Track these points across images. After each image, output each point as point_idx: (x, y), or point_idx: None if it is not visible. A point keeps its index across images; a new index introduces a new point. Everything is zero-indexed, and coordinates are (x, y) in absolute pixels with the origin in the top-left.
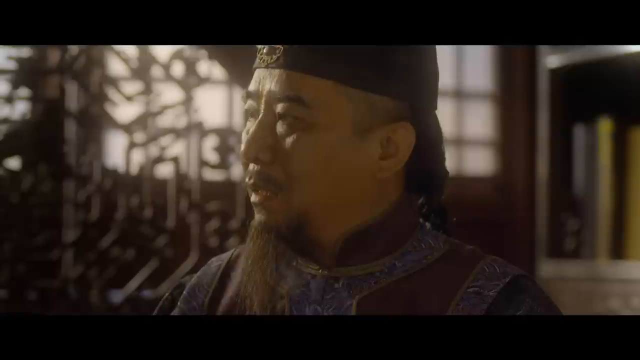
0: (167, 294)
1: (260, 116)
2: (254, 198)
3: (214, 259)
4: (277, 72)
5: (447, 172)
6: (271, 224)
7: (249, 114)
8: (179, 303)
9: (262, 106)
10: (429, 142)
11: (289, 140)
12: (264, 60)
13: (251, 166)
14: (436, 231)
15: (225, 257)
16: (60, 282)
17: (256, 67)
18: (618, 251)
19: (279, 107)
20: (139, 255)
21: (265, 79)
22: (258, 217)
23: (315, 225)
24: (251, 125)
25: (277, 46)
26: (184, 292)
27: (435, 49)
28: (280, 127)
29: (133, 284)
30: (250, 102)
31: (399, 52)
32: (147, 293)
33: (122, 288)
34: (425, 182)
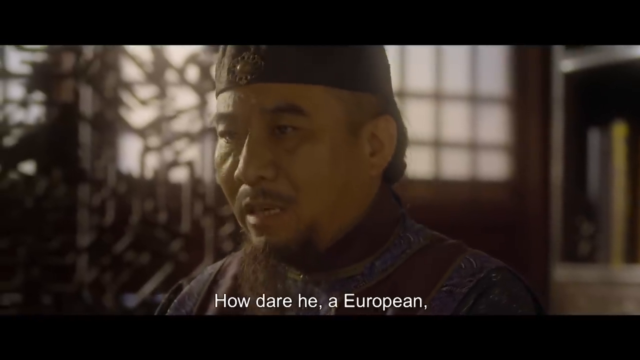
0: (164, 299)
1: (250, 134)
2: (254, 220)
3: (209, 266)
4: (260, 86)
5: (405, 164)
6: (280, 244)
7: (224, 136)
8: (168, 311)
9: (250, 124)
10: (400, 130)
11: (291, 152)
12: (241, 77)
13: (246, 187)
14: (420, 225)
15: (218, 265)
16: (75, 287)
17: (227, 88)
18: (632, 255)
19: (276, 120)
20: (154, 259)
21: (247, 95)
22: (261, 239)
23: (320, 234)
24: (231, 148)
25: (256, 61)
26: (175, 301)
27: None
28: (276, 141)
29: (147, 288)
30: (225, 124)
31: (370, 48)
32: (162, 297)
33: (136, 292)
34: (390, 172)
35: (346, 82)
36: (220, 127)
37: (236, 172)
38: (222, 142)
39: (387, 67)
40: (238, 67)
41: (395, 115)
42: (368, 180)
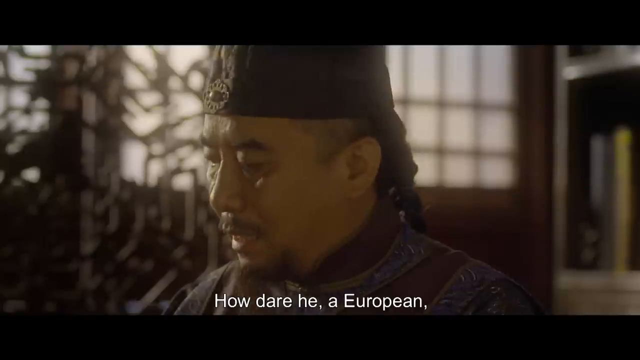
0: (169, 304)
1: (222, 163)
2: (234, 244)
3: (211, 272)
4: (226, 118)
5: (416, 166)
6: (256, 268)
7: (208, 158)
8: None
9: (222, 152)
10: (393, 143)
11: (256, 185)
12: (212, 106)
13: (224, 214)
14: (421, 235)
15: (220, 271)
16: (79, 294)
17: (205, 112)
18: (636, 262)
19: (238, 155)
20: (157, 266)
21: (218, 125)
22: (242, 261)
23: (299, 257)
24: (214, 170)
25: (223, 91)
26: (178, 308)
27: (379, 50)
28: (245, 172)
29: (151, 296)
30: (207, 148)
31: (346, 69)
32: (165, 304)
33: (140, 299)
34: (396, 177)
35: (315, 112)
36: (204, 150)
37: (210, 199)
38: (210, 162)
39: (375, 83)
40: (210, 95)
41: (385, 133)
42: (346, 203)
